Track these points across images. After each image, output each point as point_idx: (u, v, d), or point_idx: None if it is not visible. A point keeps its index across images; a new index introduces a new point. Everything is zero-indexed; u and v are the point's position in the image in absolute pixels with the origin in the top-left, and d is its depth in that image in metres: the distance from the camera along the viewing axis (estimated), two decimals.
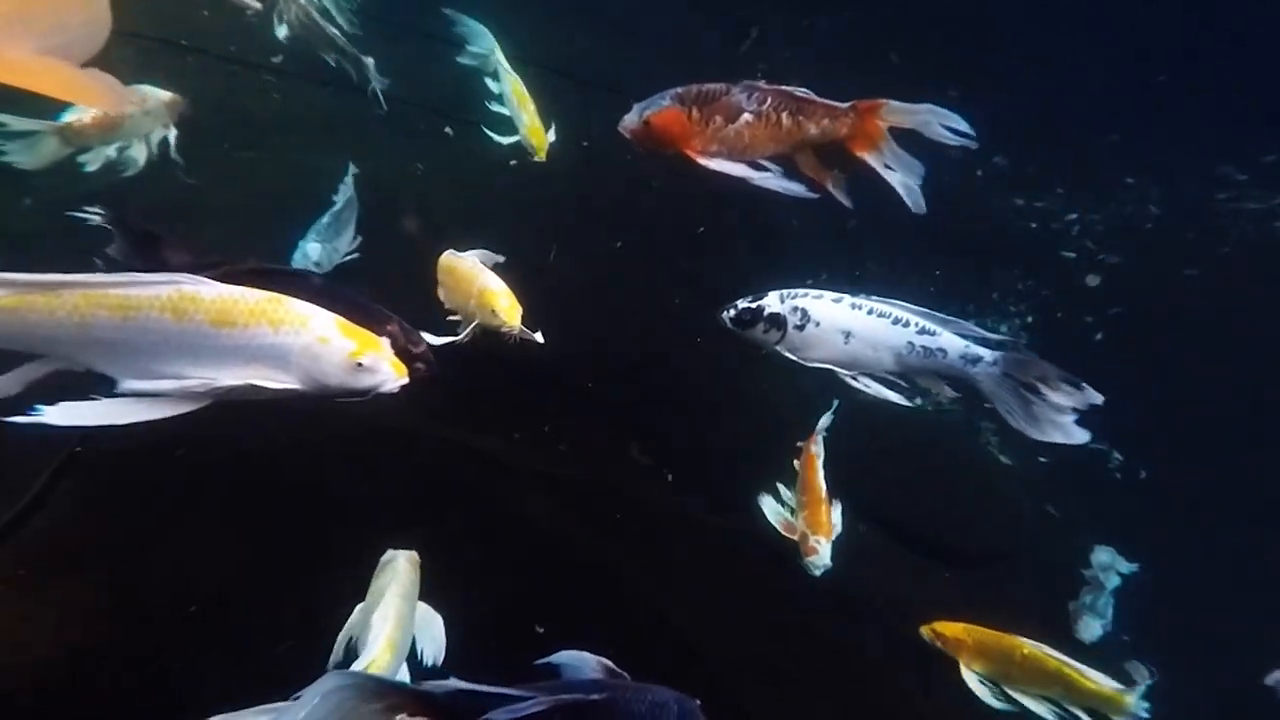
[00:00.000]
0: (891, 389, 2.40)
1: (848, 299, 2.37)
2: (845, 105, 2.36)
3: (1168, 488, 5.75)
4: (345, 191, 3.78)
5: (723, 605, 3.45)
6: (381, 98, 4.60)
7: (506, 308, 2.54)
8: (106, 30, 1.28)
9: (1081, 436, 2.22)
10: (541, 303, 2.69)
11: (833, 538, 3.23)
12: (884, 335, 2.34)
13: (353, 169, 3.86)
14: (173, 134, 3.53)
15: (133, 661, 2.41)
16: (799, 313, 2.36)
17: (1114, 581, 4.71)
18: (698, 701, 1.46)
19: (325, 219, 3.59)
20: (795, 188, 2.36)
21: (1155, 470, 5.97)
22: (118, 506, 2.73)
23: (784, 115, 2.36)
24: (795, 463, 3.53)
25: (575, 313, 3.65)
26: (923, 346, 2.33)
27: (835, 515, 3.32)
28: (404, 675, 2.01)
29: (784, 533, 3.30)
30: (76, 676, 2.32)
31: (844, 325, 2.36)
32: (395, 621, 1.99)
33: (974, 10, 7.03)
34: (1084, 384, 2.23)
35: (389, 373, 1.75)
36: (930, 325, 2.33)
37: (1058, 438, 2.25)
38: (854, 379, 2.39)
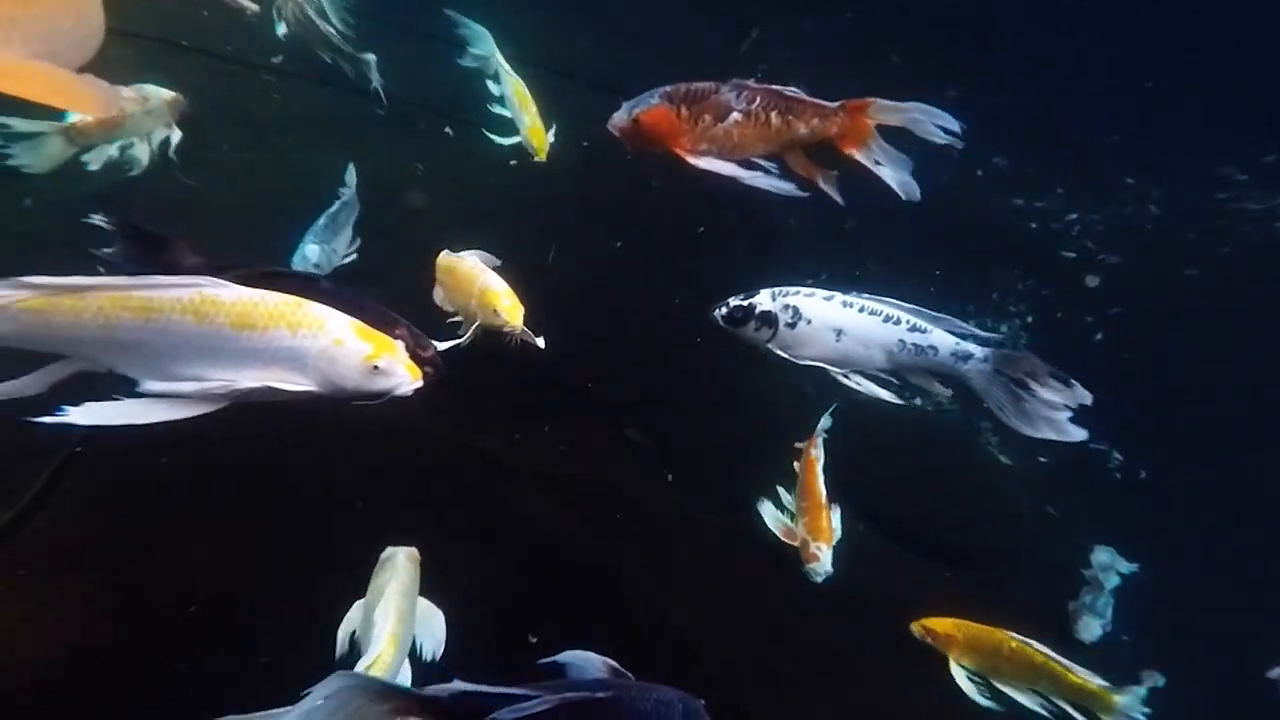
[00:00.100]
0: (883, 387, 2.40)
1: (839, 297, 2.38)
2: (835, 104, 2.36)
3: (1168, 488, 5.75)
4: (345, 193, 3.78)
5: (723, 605, 3.45)
6: (383, 94, 4.60)
7: (509, 307, 2.55)
8: (100, 36, 1.28)
9: (1075, 433, 2.23)
10: (541, 303, 2.70)
11: (833, 544, 3.24)
12: (875, 333, 2.36)
13: (354, 170, 3.86)
14: (176, 134, 3.55)
15: (133, 662, 2.41)
16: (790, 310, 2.38)
17: (1114, 581, 4.71)
18: (702, 701, 1.46)
19: (321, 221, 3.59)
20: (786, 186, 2.37)
21: (1155, 470, 5.97)
22: (118, 506, 2.73)
23: (773, 114, 2.36)
24: (795, 465, 3.54)
25: (575, 313, 3.65)
26: (914, 344, 2.34)
27: (835, 521, 3.32)
28: (406, 670, 2.02)
29: (784, 539, 3.31)
30: (77, 676, 2.32)
31: (835, 323, 2.37)
32: (396, 617, 2.01)
33: (974, 10, 7.03)
34: (1073, 381, 2.23)
35: (404, 375, 1.77)
36: (921, 323, 2.35)
37: (1050, 434, 2.26)
38: (845, 377, 2.40)
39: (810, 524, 3.29)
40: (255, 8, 3.29)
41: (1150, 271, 6.63)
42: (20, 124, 3.11)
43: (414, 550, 2.25)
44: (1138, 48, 7.00)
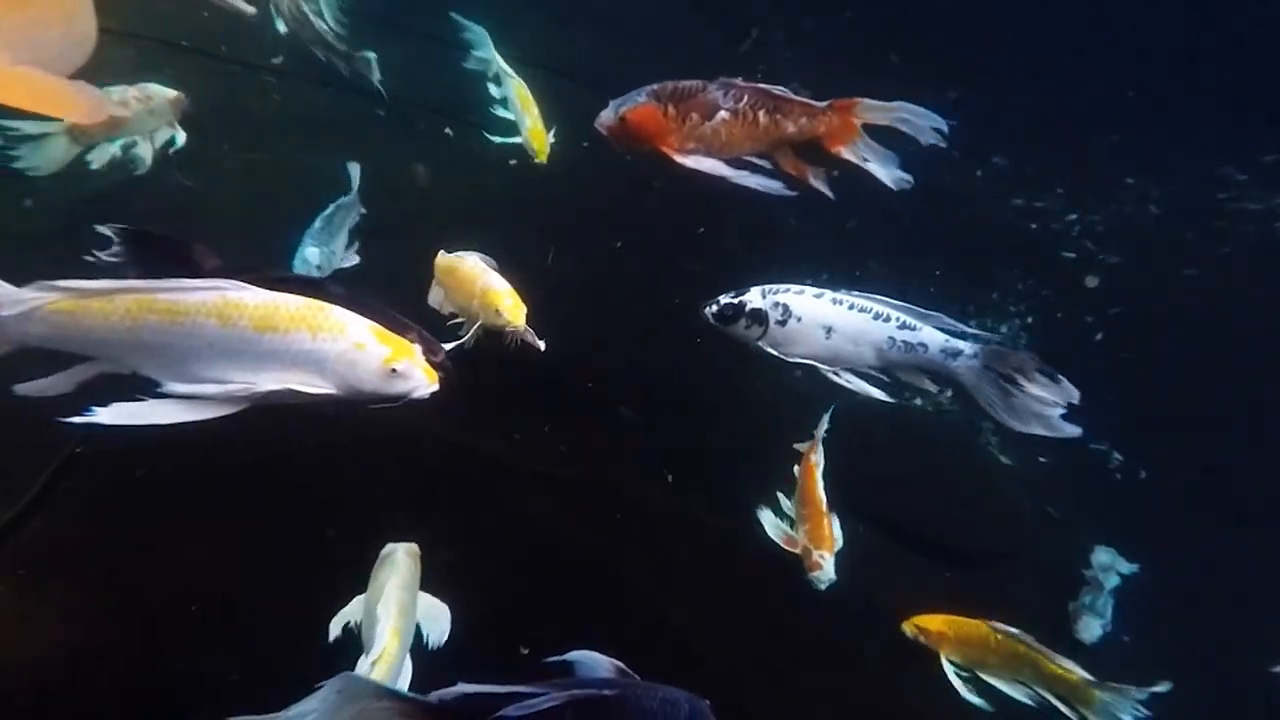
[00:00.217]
0: (874, 384, 2.41)
1: (829, 294, 2.39)
2: (822, 104, 2.36)
3: (1168, 488, 5.75)
4: (343, 195, 3.76)
5: (723, 605, 3.45)
6: (383, 91, 4.60)
7: (511, 307, 2.55)
8: (91, 42, 1.28)
9: (1066, 429, 2.23)
10: (542, 303, 2.70)
11: (836, 550, 3.24)
12: (865, 330, 2.37)
13: (357, 171, 3.84)
14: (179, 133, 3.57)
15: (133, 662, 2.41)
16: (780, 308, 2.38)
17: (1114, 581, 4.72)
18: (708, 702, 1.46)
19: (317, 223, 3.58)
20: (774, 185, 2.37)
21: (1155, 470, 5.97)
22: (118, 506, 2.73)
23: (761, 113, 2.37)
24: (795, 468, 3.53)
25: (575, 313, 3.65)
26: (904, 341, 2.35)
27: (836, 527, 3.32)
28: (408, 666, 2.04)
29: (785, 546, 3.31)
30: (76, 676, 2.32)
31: (825, 320, 2.38)
32: (398, 611, 2.03)
33: (974, 10, 7.03)
34: (1061, 377, 2.24)
35: (421, 379, 1.79)
36: (911, 320, 2.36)
37: (1039, 429, 2.26)
38: (836, 375, 2.41)
39: (812, 532, 3.29)
40: (252, 10, 3.30)
41: (1150, 271, 6.63)
42: (26, 125, 3.12)
43: (414, 546, 2.26)
44: (1138, 48, 7.00)
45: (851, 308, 2.37)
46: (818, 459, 3.47)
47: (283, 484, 2.93)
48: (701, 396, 4.40)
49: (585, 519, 3.43)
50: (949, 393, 2.45)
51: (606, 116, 2.38)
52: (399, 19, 5.55)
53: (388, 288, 2.52)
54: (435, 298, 2.88)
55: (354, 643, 2.12)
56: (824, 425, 3.57)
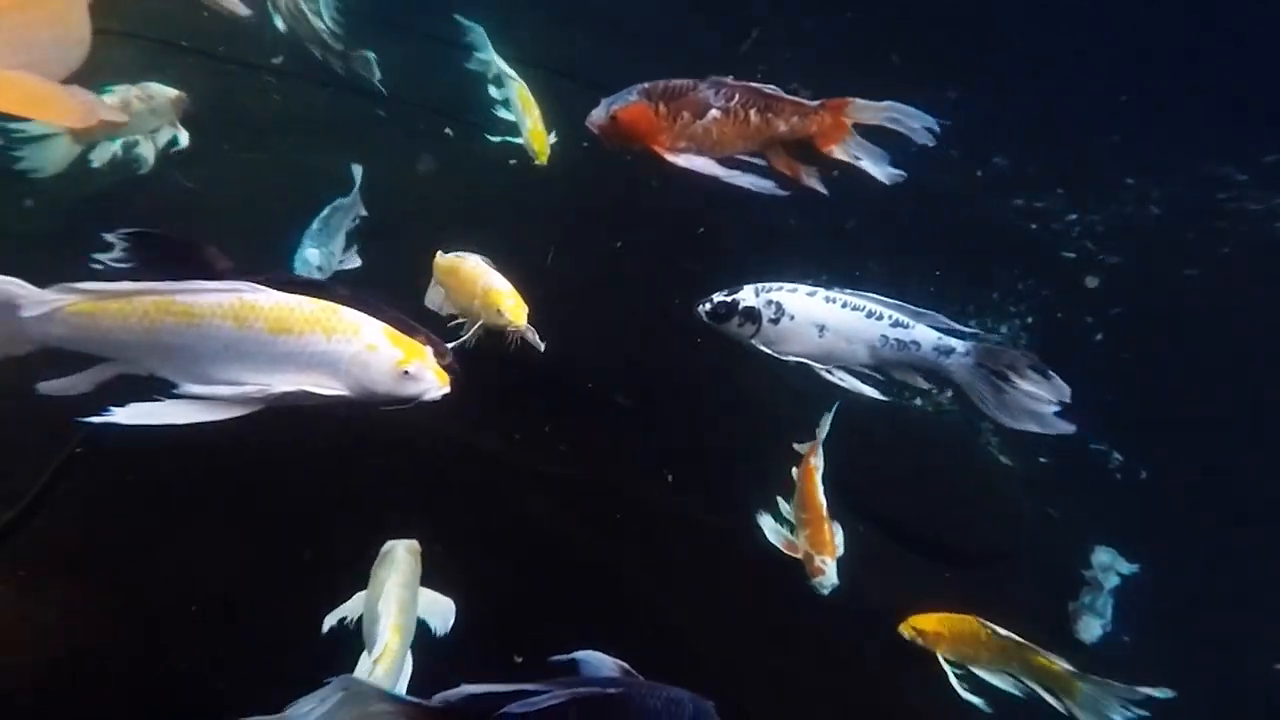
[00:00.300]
0: (867, 382, 2.42)
1: (821, 292, 2.40)
2: (814, 103, 2.37)
3: (1168, 488, 5.75)
4: (341, 197, 3.75)
5: (723, 605, 3.45)
6: (382, 88, 4.60)
7: (512, 307, 2.55)
8: (85, 46, 1.28)
9: (1058, 425, 2.24)
10: (541, 303, 2.70)
11: (837, 555, 3.24)
12: (858, 328, 2.37)
13: (358, 173, 3.84)
14: (182, 132, 3.58)
15: (133, 662, 2.41)
16: (773, 306, 2.39)
17: (1114, 581, 4.72)
18: (712, 703, 1.47)
19: (315, 224, 3.58)
20: (766, 185, 2.37)
21: (1155, 470, 5.97)
22: (118, 506, 2.73)
23: (752, 112, 2.37)
24: (793, 471, 3.52)
25: (575, 313, 3.65)
26: (896, 339, 2.36)
27: (837, 532, 3.33)
28: (408, 663, 2.05)
29: (786, 551, 3.31)
30: (77, 676, 2.33)
31: (818, 319, 2.38)
32: (398, 608, 2.04)
33: (974, 10, 7.03)
34: (1052, 374, 2.25)
35: (433, 381, 1.81)
36: (904, 318, 2.37)
37: (1032, 426, 2.27)
38: (829, 373, 2.41)
39: (813, 537, 3.29)
40: (247, 12, 3.32)
41: (1150, 271, 6.63)
42: (30, 127, 3.13)
43: (414, 543, 2.27)
44: (1138, 48, 7.00)
45: (844, 306, 2.38)
46: (817, 463, 3.47)
47: (282, 484, 2.93)
48: (701, 396, 4.40)
49: (585, 519, 3.43)
50: (949, 393, 2.46)
51: (598, 115, 2.38)
52: (399, 19, 5.56)
53: (388, 289, 2.51)
54: (432, 299, 2.88)
55: (354, 641, 2.12)
56: (825, 428, 3.57)
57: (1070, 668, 3.10)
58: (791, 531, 3.39)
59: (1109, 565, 4.77)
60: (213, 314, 1.70)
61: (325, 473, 3.03)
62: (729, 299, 2.43)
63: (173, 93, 3.60)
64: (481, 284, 2.63)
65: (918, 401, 5.71)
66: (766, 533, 3.36)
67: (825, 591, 3.19)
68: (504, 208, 4.60)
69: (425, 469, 3.28)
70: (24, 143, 3.18)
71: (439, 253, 2.86)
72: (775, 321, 2.39)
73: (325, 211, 3.63)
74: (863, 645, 3.62)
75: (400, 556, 2.20)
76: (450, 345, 2.36)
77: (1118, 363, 6.21)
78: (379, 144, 4.89)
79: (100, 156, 3.44)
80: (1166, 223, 6.86)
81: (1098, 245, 6.93)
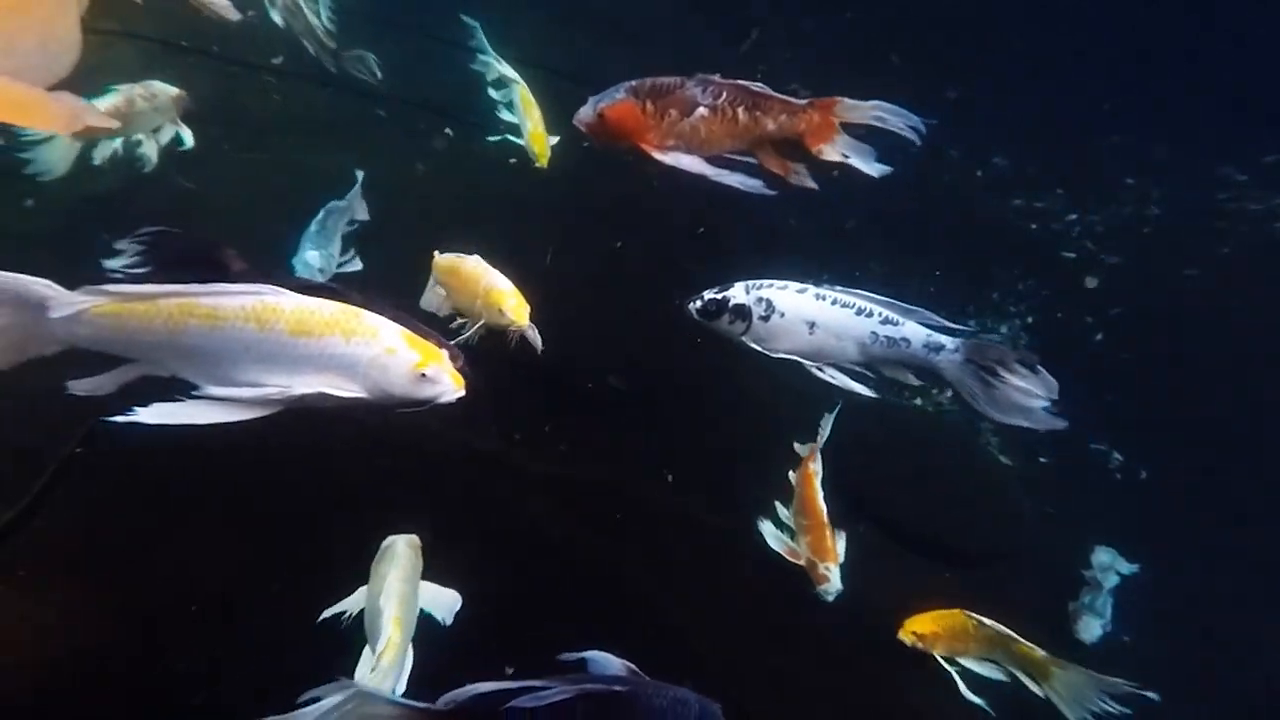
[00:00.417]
0: (856, 379, 2.42)
1: (811, 289, 2.41)
2: (802, 102, 2.36)
3: (1168, 488, 5.75)
4: (337, 200, 3.75)
5: (723, 605, 3.45)
6: (376, 86, 4.59)
7: (515, 307, 2.55)
8: (75, 52, 1.27)
9: (1048, 420, 2.25)
10: (541, 303, 2.70)
11: (840, 561, 3.25)
12: (848, 325, 2.38)
13: (360, 176, 3.84)
14: (185, 130, 3.60)
15: (133, 662, 2.41)
16: (764, 303, 2.40)
17: (1114, 581, 4.72)
18: (718, 705, 1.47)
19: (312, 227, 3.58)
20: (754, 184, 2.37)
21: (1155, 470, 5.97)
22: (118, 506, 2.73)
23: (740, 110, 2.36)
24: (790, 475, 3.51)
25: (575, 313, 3.65)
26: (886, 336, 2.37)
27: (839, 539, 3.33)
28: (409, 655, 2.06)
29: (789, 558, 3.31)
30: (77, 676, 2.32)
31: (808, 316, 2.39)
32: (398, 601, 2.06)
33: (974, 10, 7.03)
34: (1040, 369, 2.27)
35: (449, 384, 1.83)
36: (893, 315, 2.38)
37: (1021, 420, 2.29)
38: (819, 370, 2.42)
39: (814, 544, 3.29)
40: (238, 16, 3.34)
41: (1150, 271, 6.63)
42: (35, 129, 3.14)
43: (414, 538, 2.28)
44: (1138, 48, 7.00)
45: (834, 303, 2.38)
46: (816, 468, 3.46)
47: (283, 484, 2.93)
48: (702, 396, 4.40)
49: (585, 519, 3.42)
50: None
51: (585, 113, 2.38)
52: (399, 19, 5.56)
53: (388, 289, 2.51)
54: (428, 301, 2.88)
55: (354, 642, 2.12)
56: (826, 431, 3.56)
57: (1045, 654, 3.15)
58: (792, 538, 3.39)
59: (1109, 565, 4.77)
60: (236, 316, 1.71)
61: (325, 473, 3.03)
62: (719, 296, 2.44)
63: (174, 91, 3.61)
64: (483, 284, 2.63)
65: (918, 401, 5.71)
66: (768, 540, 3.37)
67: (831, 599, 3.20)
68: (504, 208, 4.59)
69: (425, 469, 3.28)
70: (31, 145, 3.19)
71: (436, 253, 2.86)
72: (765, 318, 2.39)
73: (321, 214, 3.64)
74: (863, 645, 3.62)
75: (400, 551, 2.22)
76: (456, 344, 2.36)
77: (1118, 363, 6.21)
78: (379, 144, 4.89)
79: (101, 154, 3.45)
80: (1166, 223, 6.86)
81: (1098, 245, 6.93)
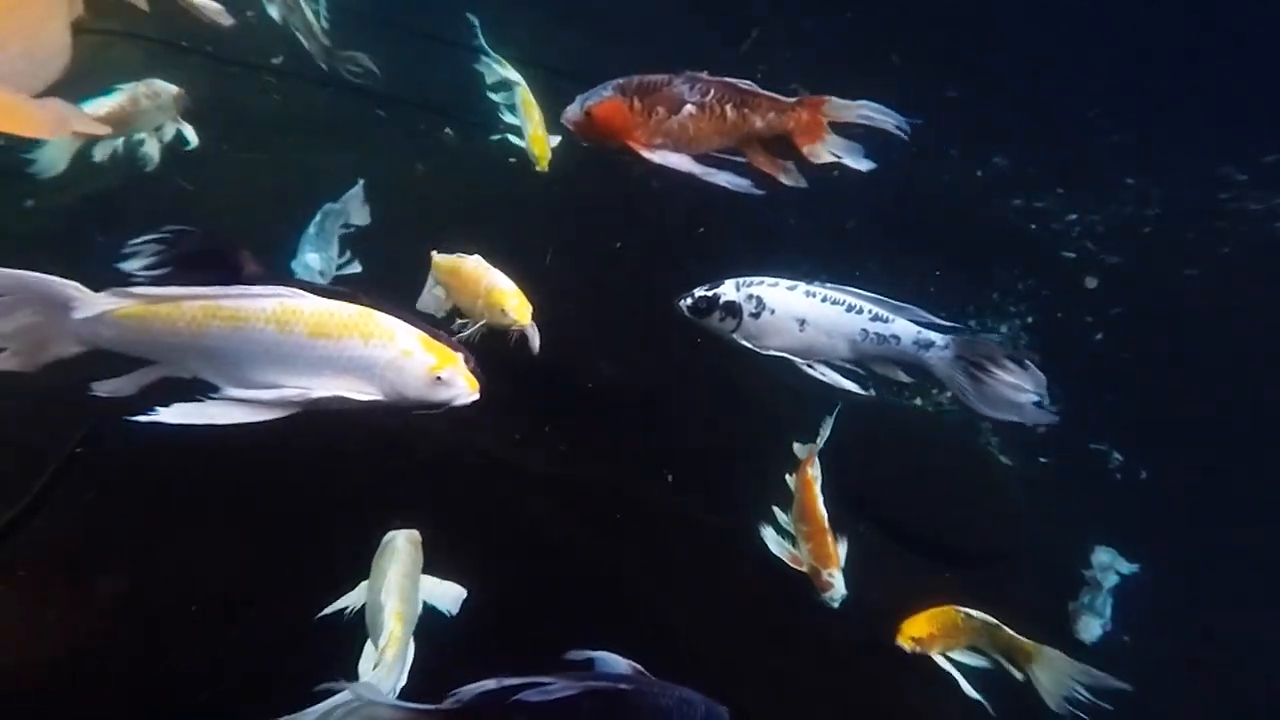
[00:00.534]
0: (847, 376, 2.43)
1: (802, 286, 2.41)
2: (791, 100, 2.36)
3: (1168, 488, 5.75)
4: (343, 199, 3.75)
5: (723, 605, 3.44)
6: (372, 85, 4.59)
7: (517, 306, 2.56)
8: (65, 57, 1.27)
9: (1039, 415, 2.26)
10: (541, 303, 2.70)
11: (842, 565, 3.25)
12: (838, 322, 2.39)
13: (358, 184, 3.84)
14: (187, 128, 3.61)
15: (133, 662, 2.41)
16: (754, 301, 2.40)
17: (1114, 581, 4.72)
18: (725, 708, 1.47)
19: (311, 229, 3.58)
20: (743, 183, 2.37)
21: (1155, 470, 5.97)
22: (118, 506, 2.73)
23: (728, 107, 2.36)
24: (788, 477, 3.51)
25: (575, 313, 3.65)
26: (876, 333, 2.38)
27: (840, 544, 3.33)
28: (411, 650, 2.06)
29: (791, 565, 3.32)
30: (77, 676, 2.32)
31: (799, 313, 2.39)
32: (399, 596, 2.08)
33: (974, 10, 7.03)
34: (1029, 364, 2.28)
35: (464, 387, 1.84)
36: (883, 312, 2.39)
37: (1012, 416, 2.30)
38: (810, 367, 2.42)
39: (816, 550, 3.28)
40: (231, 21, 3.35)
41: (1150, 271, 6.63)
42: None
43: (415, 533, 2.29)
44: (1138, 48, 7.00)
45: (824, 300, 2.39)
46: (815, 473, 3.46)
47: (283, 483, 2.93)
48: (701, 396, 4.40)
49: (585, 519, 3.42)
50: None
51: (572, 111, 2.38)
52: (399, 18, 5.56)
53: (389, 291, 2.51)
54: (426, 302, 2.88)
55: (354, 642, 2.12)
56: (825, 433, 3.56)
57: (1026, 640, 3.17)
58: (793, 544, 3.38)
59: (1109, 565, 4.77)
60: (256, 318, 1.73)
61: (325, 473, 3.03)
62: (709, 293, 2.45)
63: (174, 89, 3.63)
64: (485, 283, 2.63)
65: (917, 401, 5.71)
66: (770, 546, 3.37)
67: (835, 605, 3.20)
68: (504, 208, 4.59)
69: (425, 469, 3.28)
70: (31, 144, 3.19)
71: (434, 253, 2.86)
72: (756, 316, 2.40)
73: (319, 216, 3.64)
74: (863, 645, 3.62)
75: (401, 546, 2.22)
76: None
77: (1118, 363, 6.21)
78: (379, 144, 4.89)
79: (102, 152, 3.46)
80: (1166, 223, 6.86)
81: (1098, 245, 6.93)
